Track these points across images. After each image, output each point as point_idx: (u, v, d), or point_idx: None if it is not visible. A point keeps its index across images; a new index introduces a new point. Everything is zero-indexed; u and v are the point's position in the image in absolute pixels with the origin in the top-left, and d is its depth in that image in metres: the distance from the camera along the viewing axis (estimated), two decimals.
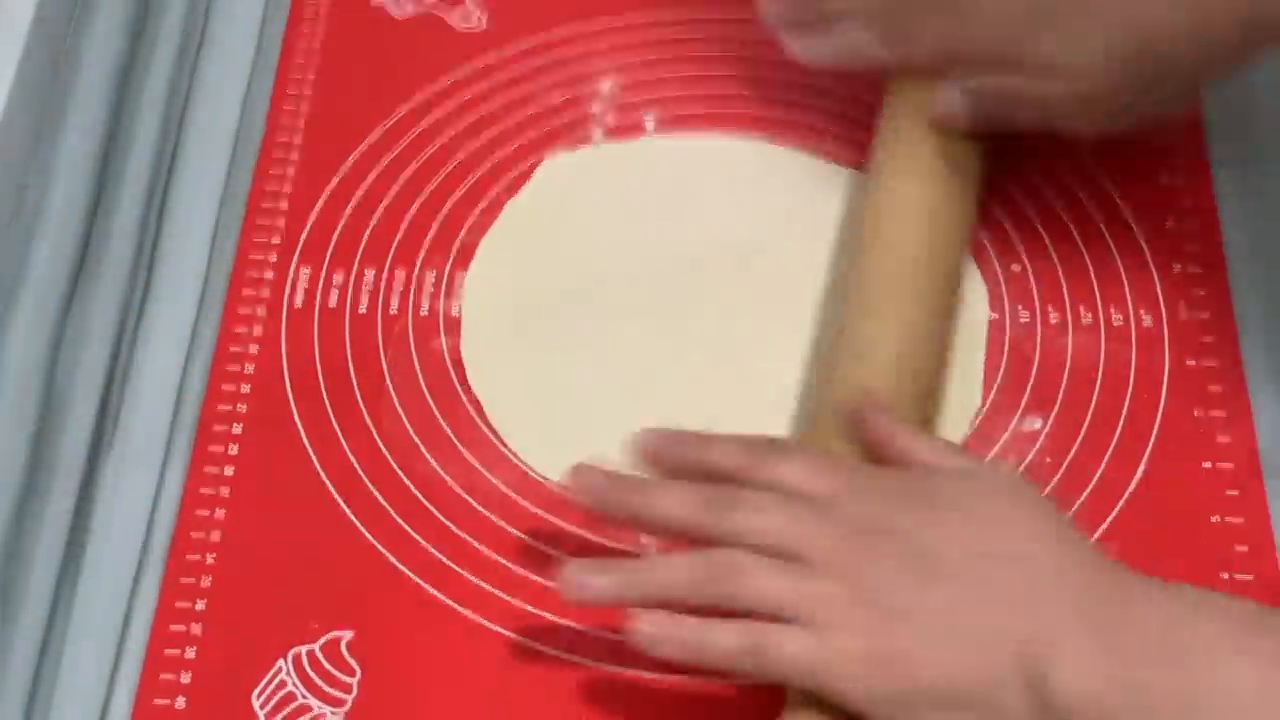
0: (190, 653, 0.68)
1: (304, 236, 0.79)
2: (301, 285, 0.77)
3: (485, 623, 0.69)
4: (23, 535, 0.70)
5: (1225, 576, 0.69)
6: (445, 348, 0.76)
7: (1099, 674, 0.57)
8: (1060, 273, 0.77)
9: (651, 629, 0.62)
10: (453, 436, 0.73)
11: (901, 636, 0.60)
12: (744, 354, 0.75)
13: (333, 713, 0.66)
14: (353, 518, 0.71)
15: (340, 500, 0.71)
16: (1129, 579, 0.60)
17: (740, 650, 0.61)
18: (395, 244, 0.79)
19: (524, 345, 0.76)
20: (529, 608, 0.69)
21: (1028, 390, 0.74)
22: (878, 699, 0.60)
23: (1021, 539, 0.61)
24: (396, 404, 0.74)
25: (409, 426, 0.74)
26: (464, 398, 0.75)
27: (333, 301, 0.77)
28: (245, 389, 0.74)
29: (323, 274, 0.78)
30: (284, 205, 0.80)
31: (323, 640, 0.68)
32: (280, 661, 0.67)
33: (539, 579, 0.70)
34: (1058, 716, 0.57)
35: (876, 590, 0.60)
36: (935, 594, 0.60)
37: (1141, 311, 0.76)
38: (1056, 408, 0.74)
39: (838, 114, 0.82)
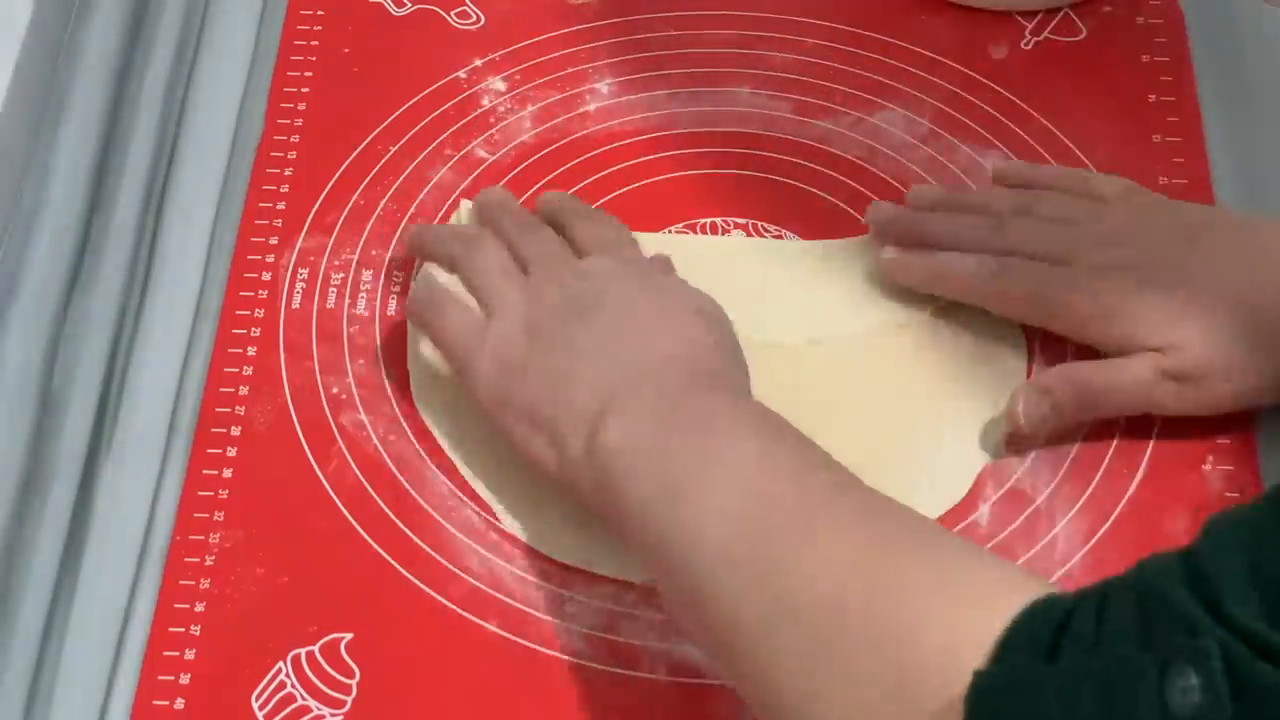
0: (189, 654, 0.68)
1: (302, 237, 0.79)
2: (299, 286, 0.77)
3: (484, 624, 0.69)
4: (21, 536, 0.70)
5: None
6: None
7: (639, 433, 0.64)
8: None
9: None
10: None
11: (537, 355, 0.68)
12: None
13: (332, 714, 0.66)
14: (351, 520, 0.71)
15: (339, 502, 0.71)
16: (717, 392, 0.67)
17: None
18: (393, 245, 0.79)
19: None
20: (528, 610, 0.69)
21: None
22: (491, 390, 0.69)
23: (669, 328, 0.69)
24: (394, 405, 0.74)
25: (406, 427, 0.73)
26: None
27: (330, 302, 0.77)
28: (243, 390, 0.74)
29: (320, 275, 0.78)
30: (282, 205, 0.80)
31: (322, 642, 0.68)
32: (280, 663, 0.67)
33: (538, 581, 0.70)
34: (596, 460, 0.64)
35: (543, 314, 0.69)
36: (583, 336, 0.68)
37: None
38: None
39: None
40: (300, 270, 0.78)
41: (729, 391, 0.67)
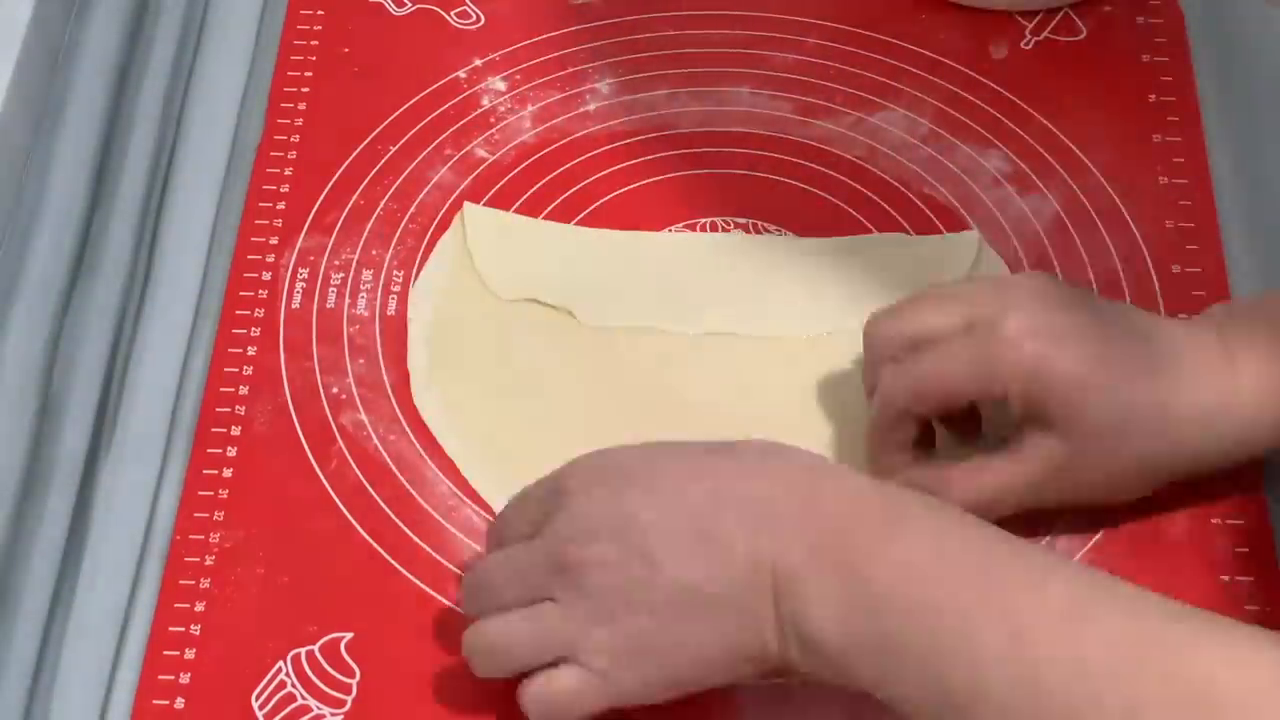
0: (189, 654, 0.68)
1: (302, 237, 0.79)
2: (299, 286, 0.77)
3: None
4: (21, 536, 0.70)
5: (1225, 578, 0.69)
6: None
7: (845, 630, 0.59)
8: (1059, 274, 0.77)
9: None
10: None
11: (645, 636, 0.61)
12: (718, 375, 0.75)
13: (332, 714, 0.66)
14: (351, 519, 0.71)
15: (339, 502, 0.71)
16: (889, 513, 0.61)
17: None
18: (393, 244, 0.79)
19: (504, 347, 0.76)
20: None
21: None
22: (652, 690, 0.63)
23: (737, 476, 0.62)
24: (394, 405, 0.74)
25: (406, 427, 0.73)
26: None
27: (330, 302, 0.77)
28: (243, 390, 0.74)
29: (320, 275, 0.78)
30: (282, 205, 0.80)
31: (322, 641, 0.68)
32: (280, 663, 0.67)
33: None
34: (819, 659, 0.60)
35: (601, 602, 0.62)
36: (661, 576, 0.61)
37: None
38: None
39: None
40: (300, 270, 0.78)
41: (871, 516, 0.61)
